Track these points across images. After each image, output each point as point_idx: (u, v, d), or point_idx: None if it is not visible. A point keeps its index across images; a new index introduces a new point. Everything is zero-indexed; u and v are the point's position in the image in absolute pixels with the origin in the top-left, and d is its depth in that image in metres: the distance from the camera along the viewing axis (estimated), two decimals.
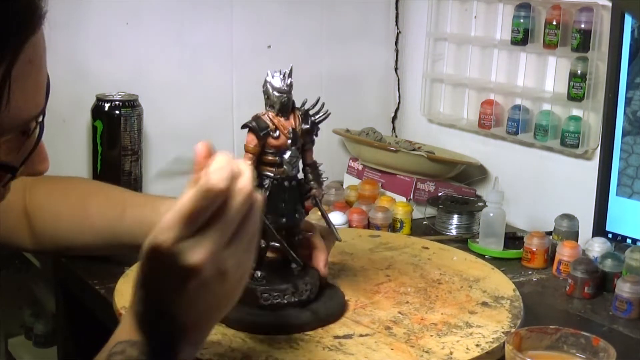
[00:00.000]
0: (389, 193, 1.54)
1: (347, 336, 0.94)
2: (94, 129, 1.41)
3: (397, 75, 1.82)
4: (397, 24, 1.79)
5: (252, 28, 1.61)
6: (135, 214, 1.09)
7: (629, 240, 1.30)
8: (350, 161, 1.67)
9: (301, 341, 0.92)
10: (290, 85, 0.94)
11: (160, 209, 1.06)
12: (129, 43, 1.49)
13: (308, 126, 0.95)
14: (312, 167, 0.99)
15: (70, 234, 1.14)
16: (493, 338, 0.95)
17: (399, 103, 1.83)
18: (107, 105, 1.40)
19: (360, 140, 1.62)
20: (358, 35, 1.75)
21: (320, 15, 1.69)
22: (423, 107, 1.73)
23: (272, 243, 0.95)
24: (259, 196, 0.74)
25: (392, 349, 0.91)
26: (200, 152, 0.74)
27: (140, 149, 1.44)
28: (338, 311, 0.99)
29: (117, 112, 1.40)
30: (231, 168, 0.70)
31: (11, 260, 1.70)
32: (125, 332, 0.74)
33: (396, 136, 1.81)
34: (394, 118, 1.84)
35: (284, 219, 0.95)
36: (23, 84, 0.64)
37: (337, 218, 1.40)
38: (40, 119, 0.69)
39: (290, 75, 0.94)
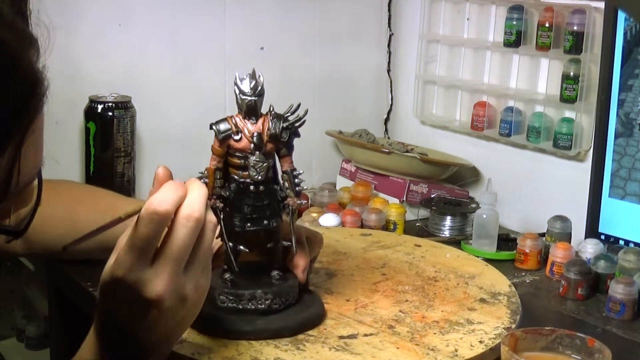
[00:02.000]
0: (382, 195, 1.54)
1: (352, 336, 0.94)
2: (87, 130, 1.41)
3: (389, 77, 1.82)
4: (389, 26, 1.79)
5: (245, 30, 1.61)
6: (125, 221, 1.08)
7: (621, 242, 1.31)
8: (343, 163, 1.67)
9: (306, 342, 0.92)
10: (255, 89, 0.93)
11: None
12: (121, 44, 1.49)
13: (274, 131, 0.94)
14: (288, 175, 0.97)
15: (58, 239, 1.13)
16: (495, 334, 0.96)
17: (391, 105, 1.83)
18: (100, 107, 1.40)
19: (353, 142, 1.62)
20: (351, 36, 1.75)
21: (313, 17, 1.69)
22: (416, 108, 1.73)
23: (240, 247, 0.93)
24: (212, 218, 0.77)
25: (397, 348, 0.91)
26: (159, 177, 0.80)
27: (133, 151, 1.44)
28: (301, 325, 0.95)
29: (110, 113, 1.40)
30: (177, 194, 0.74)
31: (3, 262, 1.70)
32: (89, 351, 0.77)
33: (389, 138, 1.82)
34: (387, 120, 1.84)
35: (248, 224, 0.92)
36: (30, 154, 0.65)
37: (330, 220, 1.40)
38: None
39: (254, 77, 0.93)
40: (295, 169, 0.96)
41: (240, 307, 0.93)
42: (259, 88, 0.93)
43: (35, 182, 0.71)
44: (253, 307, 0.93)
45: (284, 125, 0.94)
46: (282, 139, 0.94)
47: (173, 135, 1.55)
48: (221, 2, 1.58)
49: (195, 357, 0.87)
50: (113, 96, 1.41)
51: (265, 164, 0.92)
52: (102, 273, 0.75)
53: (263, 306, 0.93)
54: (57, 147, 1.44)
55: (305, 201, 1.50)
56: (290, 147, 0.96)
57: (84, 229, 1.11)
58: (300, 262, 0.97)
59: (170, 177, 0.83)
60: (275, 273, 0.95)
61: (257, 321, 0.93)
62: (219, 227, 0.86)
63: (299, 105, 0.95)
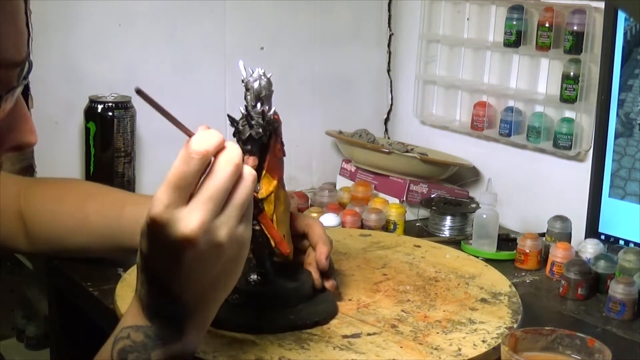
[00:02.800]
0: (382, 195, 1.55)
1: (355, 335, 0.94)
2: (87, 130, 1.41)
3: (389, 77, 1.82)
4: (389, 26, 1.79)
5: (245, 30, 1.61)
6: (134, 212, 1.08)
7: (621, 242, 1.31)
8: (343, 163, 1.67)
9: (310, 341, 0.92)
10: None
11: None
12: (121, 44, 1.49)
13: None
14: None
15: (67, 235, 1.14)
16: (497, 334, 0.96)
17: (391, 105, 1.83)
18: (100, 107, 1.40)
19: (353, 142, 1.62)
20: (351, 37, 1.75)
21: (313, 17, 1.69)
22: (416, 108, 1.73)
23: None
24: (251, 170, 0.75)
25: (401, 347, 0.92)
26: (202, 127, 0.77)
27: (133, 151, 1.44)
28: (301, 323, 0.95)
29: (110, 113, 1.39)
30: (217, 139, 0.73)
31: (3, 262, 1.70)
32: (131, 318, 0.75)
33: (389, 138, 1.82)
34: (387, 120, 1.84)
35: None
36: (3, 16, 0.60)
37: (330, 220, 1.40)
38: (25, 75, 0.65)
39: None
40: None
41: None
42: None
43: (27, 112, 0.67)
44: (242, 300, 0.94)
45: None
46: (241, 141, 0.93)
47: (173, 135, 1.54)
48: (221, 2, 1.58)
49: (200, 356, 0.87)
50: (113, 96, 1.41)
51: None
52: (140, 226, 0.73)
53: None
54: (57, 147, 1.44)
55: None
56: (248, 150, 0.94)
57: (92, 224, 1.12)
58: (322, 250, 0.99)
59: None
60: (253, 277, 0.96)
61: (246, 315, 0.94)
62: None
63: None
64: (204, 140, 0.73)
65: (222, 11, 1.58)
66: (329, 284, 1.02)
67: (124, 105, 1.41)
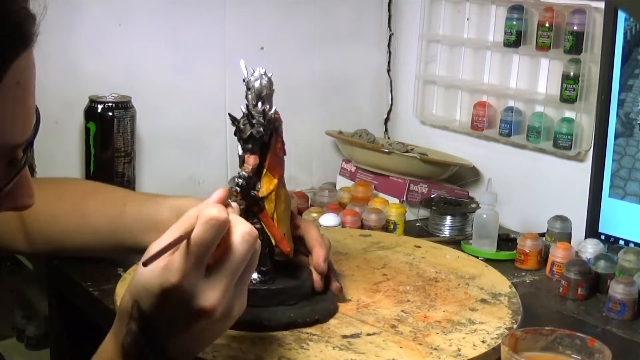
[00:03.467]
0: (382, 195, 1.54)
1: (355, 335, 0.94)
2: (87, 130, 1.41)
3: (389, 77, 1.82)
4: (389, 26, 1.79)
5: (245, 29, 1.61)
6: (136, 209, 1.09)
7: (621, 242, 1.31)
8: (343, 163, 1.67)
9: (310, 341, 0.92)
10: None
11: (162, 204, 1.06)
12: (121, 44, 1.49)
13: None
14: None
15: (67, 235, 1.14)
16: (497, 334, 0.96)
17: (391, 105, 1.83)
18: (100, 107, 1.39)
19: (353, 142, 1.62)
20: (351, 37, 1.75)
21: (313, 17, 1.69)
22: (416, 108, 1.73)
23: None
24: (259, 240, 0.77)
25: (401, 347, 0.92)
26: (217, 193, 0.78)
27: (133, 151, 1.43)
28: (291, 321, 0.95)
29: (110, 113, 1.39)
30: (226, 210, 0.74)
31: (3, 262, 1.70)
32: (108, 357, 0.76)
33: (389, 138, 1.81)
34: (387, 120, 1.84)
35: None
36: (11, 106, 0.63)
37: (330, 220, 1.40)
38: (27, 148, 0.67)
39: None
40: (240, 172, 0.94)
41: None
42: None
43: (28, 176, 0.69)
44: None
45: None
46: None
47: (173, 135, 1.55)
48: (221, 2, 1.58)
49: (200, 356, 0.87)
50: (113, 96, 1.41)
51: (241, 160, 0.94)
52: (141, 283, 0.73)
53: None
54: (57, 147, 1.44)
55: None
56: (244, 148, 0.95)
57: (93, 222, 1.12)
58: (319, 253, 0.99)
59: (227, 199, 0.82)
60: (254, 276, 0.95)
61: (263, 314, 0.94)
62: None
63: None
64: (221, 209, 0.73)
65: (222, 11, 1.58)
66: (334, 286, 1.02)
67: (124, 105, 1.41)
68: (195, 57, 1.57)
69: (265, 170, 0.92)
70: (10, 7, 0.61)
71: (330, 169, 1.73)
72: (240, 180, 0.90)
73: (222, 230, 0.73)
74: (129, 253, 1.11)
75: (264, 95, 0.91)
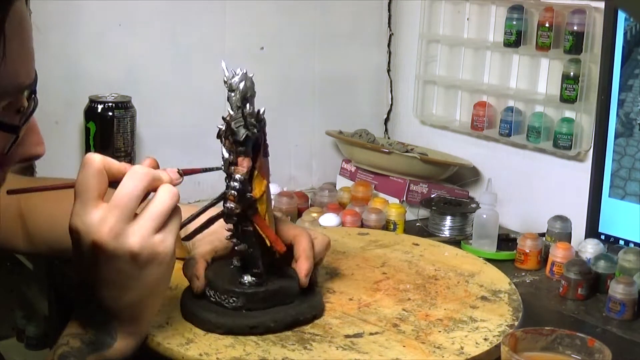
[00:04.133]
0: (382, 195, 1.55)
1: (358, 335, 0.94)
2: (87, 130, 1.41)
3: (389, 77, 1.82)
4: (389, 26, 1.79)
5: (245, 30, 1.61)
6: None
7: (621, 242, 1.31)
8: (343, 163, 1.67)
9: (313, 342, 0.92)
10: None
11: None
12: (122, 44, 1.49)
13: None
14: None
15: (66, 237, 1.14)
16: (499, 332, 0.96)
17: (391, 105, 1.83)
18: (100, 107, 1.40)
19: (353, 142, 1.62)
20: (351, 37, 1.75)
21: (313, 17, 1.69)
22: (416, 108, 1.73)
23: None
24: (170, 187, 0.81)
25: (404, 346, 0.92)
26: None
27: (133, 151, 1.44)
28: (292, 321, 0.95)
29: (110, 113, 1.40)
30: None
31: (3, 262, 1.70)
32: (70, 326, 0.81)
33: (389, 138, 1.82)
34: (387, 120, 1.84)
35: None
36: (16, 45, 0.65)
37: (330, 220, 1.40)
38: (32, 95, 0.70)
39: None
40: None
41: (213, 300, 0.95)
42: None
43: (37, 125, 0.73)
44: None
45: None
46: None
47: (173, 135, 1.55)
48: (221, 2, 1.58)
49: (203, 358, 0.87)
50: (113, 96, 1.41)
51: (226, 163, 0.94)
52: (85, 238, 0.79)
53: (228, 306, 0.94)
54: (57, 147, 1.43)
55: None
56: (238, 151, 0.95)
57: None
58: (303, 266, 0.97)
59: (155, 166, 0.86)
60: (248, 279, 0.95)
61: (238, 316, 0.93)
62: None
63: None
64: (106, 157, 0.81)
65: (222, 11, 1.58)
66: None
67: (124, 105, 1.41)
68: (195, 56, 1.57)
69: (256, 172, 0.92)
70: None
71: (330, 169, 1.73)
72: (235, 184, 0.90)
73: (96, 169, 0.78)
74: None
75: (249, 96, 0.91)
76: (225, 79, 0.90)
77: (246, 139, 0.89)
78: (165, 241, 0.79)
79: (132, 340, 0.81)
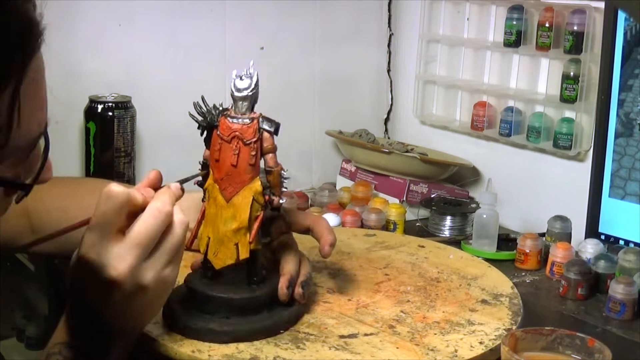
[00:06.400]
0: (382, 195, 1.55)
1: (352, 335, 0.94)
2: (87, 130, 1.41)
3: (389, 77, 1.82)
4: (389, 26, 1.79)
5: (245, 29, 1.61)
6: None
7: (621, 242, 1.31)
8: (343, 163, 1.67)
9: (307, 341, 0.92)
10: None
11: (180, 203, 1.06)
12: (122, 44, 1.49)
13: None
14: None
15: (74, 234, 1.13)
16: (495, 335, 0.96)
17: (391, 105, 1.83)
18: (100, 107, 1.40)
19: (353, 142, 1.62)
20: (351, 37, 1.75)
21: (313, 16, 1.69)
22: (416, 108, 1.73)
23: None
24: (183, 218, 0.80)
25: (397, 348, 0.91)
26: (149, 176, 0.85)
27: (133, 151, 1.44)
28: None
29: (110, 113, 1.40)
30: (147, 191, 0.81)
31: (3, 262, 1.70)
32: (62, 335, 0.80)
33: (389, 138, 1.82)
34: (387, 120, 1.84)
35: None
36: (30, 103, 0.65)
37: (330, 220, 1.39)
38: (45, 134, 0.71)
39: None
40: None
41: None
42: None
43: (42, 146, 0.72)
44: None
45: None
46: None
47: (173, 135, 1.55)
48: (221, 2, 1.58)
49: (195, 355, 0.87)
50: (113, 96, 1.41)
51: None
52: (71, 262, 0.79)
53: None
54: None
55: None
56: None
57: None
58: (327, 238, 0.97)
59: (160, 180, 0.86)
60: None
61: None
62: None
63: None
64: (124, 188, 0.79)
65: (222, 11, 1.58)
66: (297, 292, 0.96)
67: (124, 105, 1.41)
68: (195, 56, 1.57)
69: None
70: (28, 6, 0.64)
71: (330, 169, 1.73)
72: (285, 181, 0.93)
73: (121, 203, 0.77)
74: None
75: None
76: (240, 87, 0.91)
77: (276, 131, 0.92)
78: (174, 271, 0.81)
79: (122, 354, 0.82)
